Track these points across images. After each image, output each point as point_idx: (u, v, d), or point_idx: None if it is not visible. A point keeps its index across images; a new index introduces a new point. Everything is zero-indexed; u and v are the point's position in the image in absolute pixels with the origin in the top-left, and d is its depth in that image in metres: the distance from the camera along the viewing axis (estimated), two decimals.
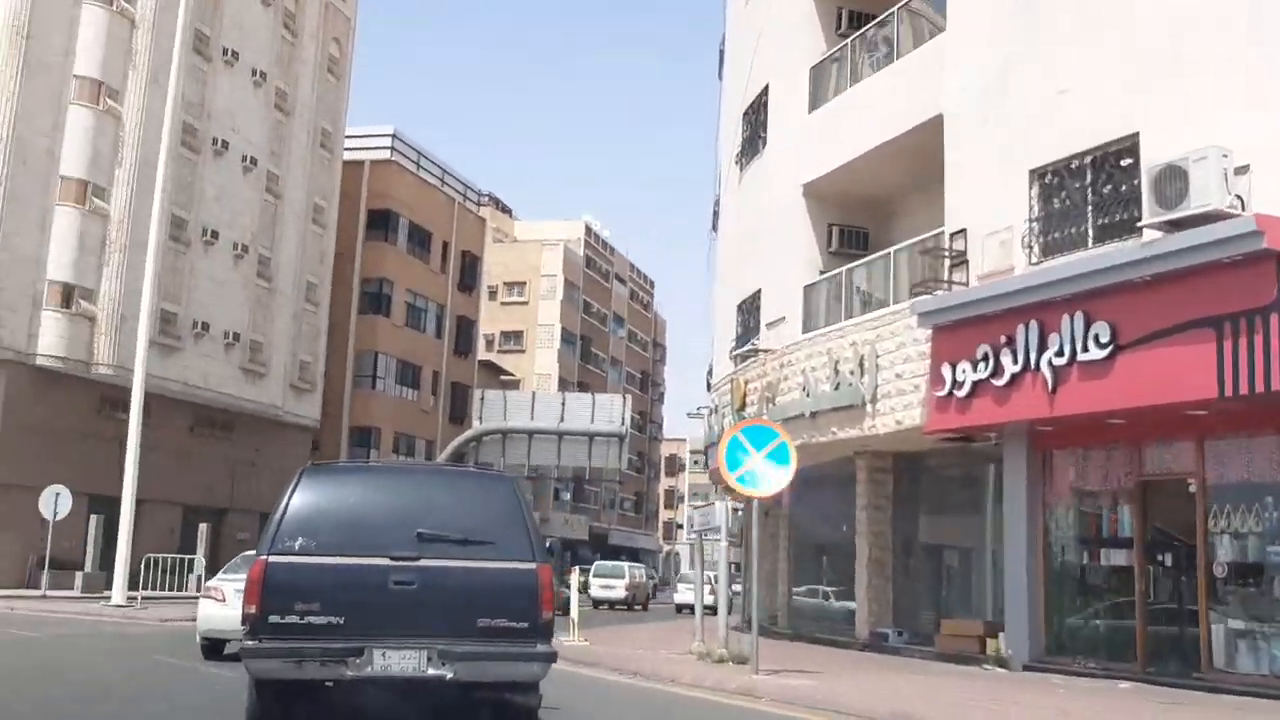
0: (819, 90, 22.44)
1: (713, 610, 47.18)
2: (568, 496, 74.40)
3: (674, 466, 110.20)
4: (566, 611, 22.03)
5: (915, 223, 20.12)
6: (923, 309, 17.34)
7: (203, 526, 37.92)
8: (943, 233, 18.29)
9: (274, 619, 7.51)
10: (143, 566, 30.16)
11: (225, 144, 41.83)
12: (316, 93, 48.06)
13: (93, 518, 33.50)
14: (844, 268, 21.39)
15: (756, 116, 24.42)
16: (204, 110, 40.86)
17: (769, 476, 14.80)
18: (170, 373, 39.28)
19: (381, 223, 52.65)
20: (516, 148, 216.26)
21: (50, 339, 35.56)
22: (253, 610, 7.54)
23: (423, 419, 55.58)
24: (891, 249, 20.25)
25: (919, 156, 19.00)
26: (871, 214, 22.33)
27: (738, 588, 27.64)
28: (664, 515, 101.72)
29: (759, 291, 23.49)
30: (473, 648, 7.66)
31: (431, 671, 7.57)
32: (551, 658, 8.02)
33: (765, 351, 22.09)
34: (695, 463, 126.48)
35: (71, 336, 35.93)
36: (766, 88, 24.00)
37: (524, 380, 67.37)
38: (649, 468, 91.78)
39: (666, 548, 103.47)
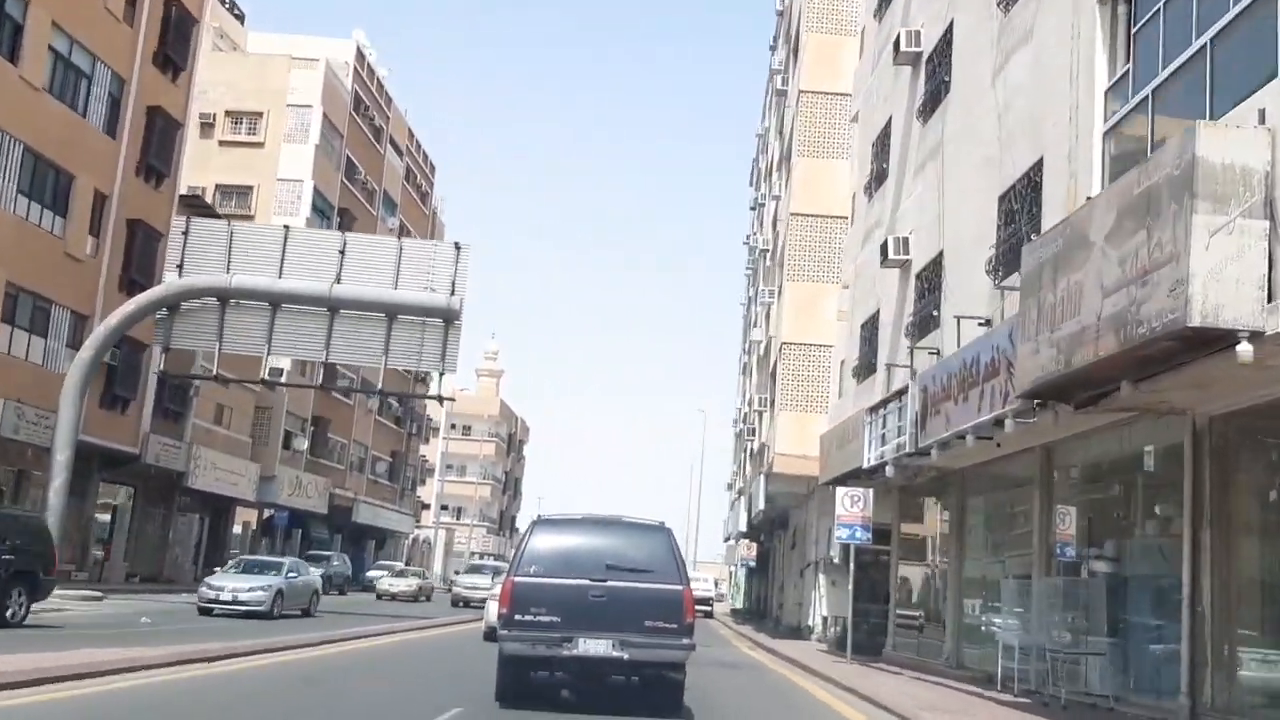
0: None
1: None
2: (304, 446, 49.42)
3: (425, 430, 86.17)
4: None
5: None
6: None
7: None
8: None
9: (518, 617, 11.43)
10: None
11: None
12: None
13: None
14: None
15: None
16: None
17: None
18: None
19: None
20: None
21: None
22: (504, 611, 11.56)
23: (71, 271, 30.31)
24: None
25: None
26: None
27: None
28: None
29: None
30: (642, 639, 11.42)
31: (615, 653, 11.38)
32: (692, 647, 11.67)
33: None
34: (453, 426, 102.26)
35: None
36: None
37: None
38: (413, 422, 67.47)
39: (418, 532, 79.21)
